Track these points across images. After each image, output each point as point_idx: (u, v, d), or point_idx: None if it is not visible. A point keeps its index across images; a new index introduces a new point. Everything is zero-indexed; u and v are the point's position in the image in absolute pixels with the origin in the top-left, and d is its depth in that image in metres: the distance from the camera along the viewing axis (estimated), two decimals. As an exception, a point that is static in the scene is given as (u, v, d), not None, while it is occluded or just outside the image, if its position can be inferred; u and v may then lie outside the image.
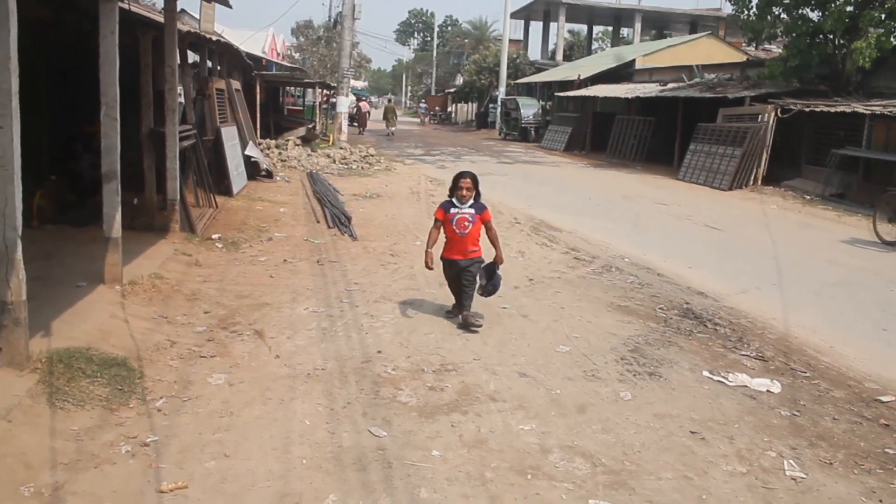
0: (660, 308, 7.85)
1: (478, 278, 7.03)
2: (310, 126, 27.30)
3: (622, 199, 17.05)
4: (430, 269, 7.00)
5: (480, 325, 6.80)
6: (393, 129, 39.89)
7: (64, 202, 10.21)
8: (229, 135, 14.94)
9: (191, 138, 11.59)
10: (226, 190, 13.75)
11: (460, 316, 6.96)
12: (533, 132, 38.20)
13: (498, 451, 4.51)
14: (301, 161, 21.07)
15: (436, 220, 7.02)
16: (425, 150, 30.41)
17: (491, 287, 7.12)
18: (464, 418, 4.93)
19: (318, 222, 12.25)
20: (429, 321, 7.01)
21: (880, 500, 4.18)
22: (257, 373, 5.52)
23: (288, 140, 22.99)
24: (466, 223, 6.88)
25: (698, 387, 5.71)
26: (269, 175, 17.46)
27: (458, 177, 6.95)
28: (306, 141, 24.29)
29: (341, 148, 24.79)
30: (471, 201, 6.90)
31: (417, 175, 20.32)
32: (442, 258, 7.08)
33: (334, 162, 21.90)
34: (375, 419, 4.86)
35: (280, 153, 21.24)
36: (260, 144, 19.80)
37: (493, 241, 7.05)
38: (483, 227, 7.00)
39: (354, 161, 22.42)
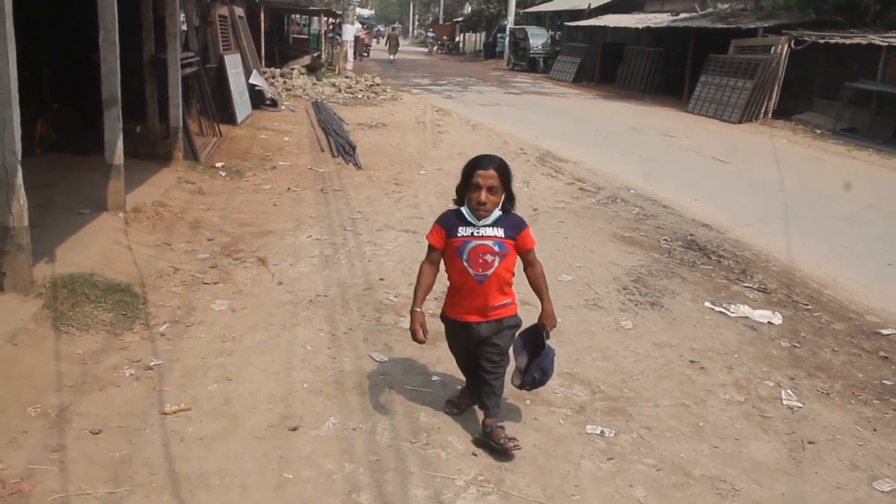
0: (664, 239, 7.83)
1: (512, 356, 4.03)
2: (315, 55, 26.91)
3: (630, 131, 16.88)
4: (421, 341, 3.84)
5: (516, 448, 3.74)
6: (393, 56, 42.84)
7: (67, 130, 10.14)
8: (233, 63, 14.74)
9: (193, 66, 11.43)
10: (229, 118, 13.63)
11: (482, 423, 3.91)
12: (541, 63, 37.58)
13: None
14: (306, 90, 20.84)
15: (430, 250, 3.85)
16: (432, 80, 30.02)
17: (538, 373, 4.01)
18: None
19: (323, 151, 12.17)
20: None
21: (875, 429, 4.23)
22: (260, 299, 5.55)
23: (293, 69, 22.69)
24: (490, 256, 3.68)
25: (699, 317, 5.73)
26: (274, 104, 17.28)
27: (474, 166, 3.66)
28: (311, 70, 23.97)
29: (347, 77, 24.47)
30: (496, 213, 3.69)
31: (424, 105, 20.10)
32: (444, 318, 4.00)
33: (340, 91, 21.66)
34: (377, 345, 4.90)
35: (285, 82, 21.00)
36: (264, 73, 19.54)
37: (538, 287, 3.88)
38: (521, 261, 3.84)
39: (360, 90, 22.16)
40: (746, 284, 6.57)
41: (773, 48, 19.58)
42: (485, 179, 3.59)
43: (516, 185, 9.73)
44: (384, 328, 5.18)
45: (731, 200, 10.27)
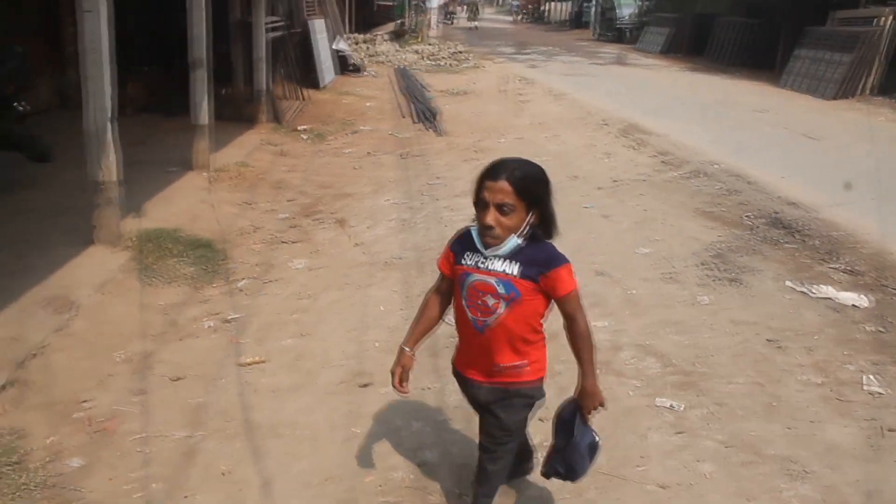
0: (747, 216, 7.60)
1: (528, 436, 3.14)
2: (399, 22, 26.95)
3: (717, 105, 16.38)
4: (399, 391, 2.94)
5: None
6: (474, 24, 42.99)
7: (156, 92, 10.43)
8: (318, 28, 14.88)
9: (279, 30, 11.59)
10: (313, 83, 13.79)
11: None
12: (629, 33, 36.70)
13: (568, 346, 4.51)
14: (389, 57, 20.92)
15: (440, 276, 2.87)
16: (516, 49, 29.71)
17: (561, 466, 2.98)
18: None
19: (404, 117, 12.21)
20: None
21: (963, 420, 4.05)
22: (337, 259, 5.64)
23: (377, 35, 22.81)
24: (492, 300, 2.63)
25: (780, 296, 5.56)
26: (357, 70, 17.40)
27: (483, 174, 2.58)
28: (395, 37, 24.05)
29: (430, 44, 24.46)
30: (512, 242, 2.57)
31: (507, 73, 19.93)
32: (453, 366, 3.01)
33: (423, 58, 21.66)
34: (449, 310, 4.92)
35: (368, 48, 21.13)
36: (349, 39, 19.69)
37: (577, 351, 2.78)
38: (559, 309, 2.71)
39: (443, 58, 22.11)
40: (832, 265, 6.33)
41: (876, 20, 18.66)
42: (493, 194, 2.46)
43: (597, 157, 9.78)
44: (457, 292, 5.20)
45: (821, 179, 9.88)
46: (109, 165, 5.08)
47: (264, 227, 6.20)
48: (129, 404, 3.65)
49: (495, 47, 29.86)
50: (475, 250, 2.63)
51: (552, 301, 2.65)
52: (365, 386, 3.92)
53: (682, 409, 3.94)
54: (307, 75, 13.65)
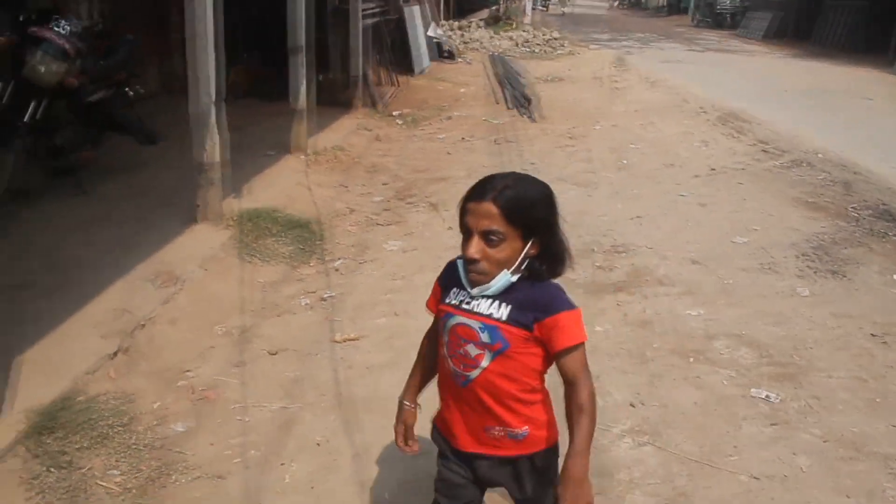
0: (852, 207, 7.29)
1: None
2: (493, 8, 26.86)
3: (822, 93, 15.71)
4: (406, 451, 2.38)
5: None
6: (564, 9, 42.34)
7: (256, 78, 10.72)
8: (413, 14, 14.99)
9: (375, 16, 11.73)
10: (408, 69, 13.91)
11: None
12: (729, 19, 35.55)
13: (661, 334, 4.46)
14: (483, 43, 20.89)
15: (434, 318, 2.32)
16: (611, 36, 29.21)
17: None
18: (630, 298, 4.89)
19: (498, 103, 12.20)
20: (604, 204, 6.91)
21: None
22: (430, 242, 5.70)
23: (471, 22, 22.80)
24: (474, 349, 2.05)
25: (885, 290, 5.31)
26: (451, 56, 17.45)
27: (469, 196, 2.01)
28: (490, 23, 23.99)
29: (525, 31, 24.28)
30: (504, 279, 1.99)
31: (602, 60, 19.63)
32: (433, 425, 2.35)
33: (517, 45, 21.53)
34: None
35: (462, 35, 21.14)
36: (443, 26, 19.76)
37: (574, 422, 2.03)
38: (557, 367, 2.06)
39: (537, 44, 21.93)
40: (945, 258, 6.02)
41: None
42: (477, 219, 1.94)
43: (694, 145, 9.57)
44: (550, 276, 5.18)
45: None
46: (213, 147, 5.27)
47: (359, 209, 6.31)
48: (230, 375, 3.79)
49: (590, 34, 29.43)
50: (461, 286, 2.09)
51: (544, 361, 2.07)
52: (458, 367, 3.96)
53: (778, 400, 3.83)
54: (402, 61, 13.77)
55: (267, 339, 4.13)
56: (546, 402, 2.16)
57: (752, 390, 3.90)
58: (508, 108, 11.72)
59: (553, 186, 5.72)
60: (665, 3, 51.64)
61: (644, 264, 5.46)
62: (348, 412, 3.52)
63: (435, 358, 2.27)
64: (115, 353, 3.78)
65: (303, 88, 7.48)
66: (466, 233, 1.99)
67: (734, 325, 4.61)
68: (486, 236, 1.94)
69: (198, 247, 4.93)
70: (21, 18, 5.24)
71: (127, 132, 6.42)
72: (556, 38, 23.03)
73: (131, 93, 6.51)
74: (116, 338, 3.87)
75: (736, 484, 3.20)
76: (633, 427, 3.55)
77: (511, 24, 26.59)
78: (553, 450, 2.21)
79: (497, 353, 2.02)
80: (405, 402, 2.38)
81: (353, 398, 3.63)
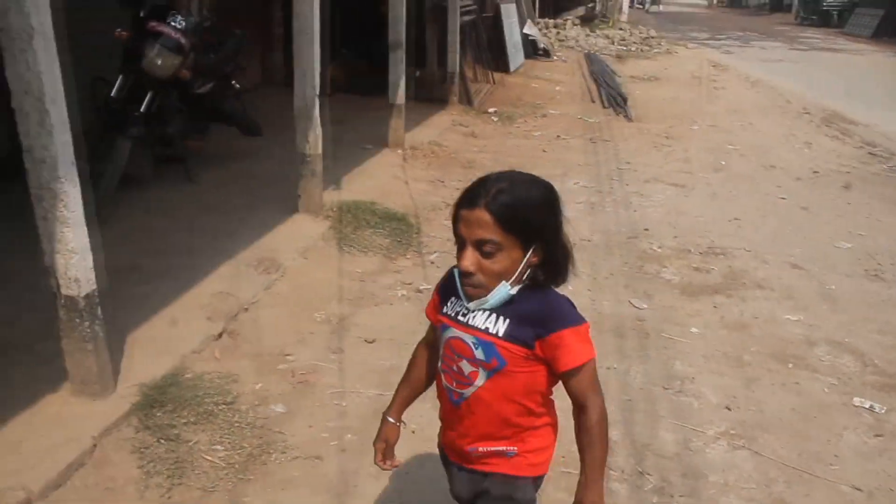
0: (971, 213, 6.96)
1: None
2: (589, 6, 26.60)
3: (938, 93, 15.02)
4: (387, 468, 2.22)
5: None
6: (661, 7, 43.06)
7: (354, 74, 10.91)
8: (508, 12, 14.97)
9: (471, 13, 11.78)
10: (503, 66, 13.90)
11: None
12: (835, 16, 34.24)
13: (759, 337, 4.36)
14: (578, 41, 20.70)
15: (430, 326, 2.11)
16: (710, 34, 28.53)
17: None
18: (727, 301, 4.79)
19: (593, 102, 12.09)
20: (700, 205, 6.78)
21: None
22: (524, 238, 5.70)
23: (566, 20, 22.62)
24: (468, 366, 1.87)
25: None
26: (546, 54, 17.36)
27: (461, 202, 1.78)
28: (585, 21, 23.76)
29: (621, 29, 23.95)
30: (503, 291, 1.79)
31: (700, 59, 19.19)
32: (439, 447, 2.19)
33: (613, 43, 21.25)
34: (636, 292, 4.86)
35: (558, 33, 21.00)
36: (538, 23, 19.68)
37: (584, 447, 1.89)
38: (564, 388, 1.88)
39: (634, 43, 21.60)
40: None
41: None
42: (469, 228, 1.74)
43: (796, 147, 9.27)
44: (645, 277, 5.12)
45: None
46: (315, 139, 5.39)
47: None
48: (327, 361, 3.88)
49: (688, 32, 28.81)
50: (455, 300, 1.91)
51: (549, 379, 1.87)
52: (550, 361, 3.96)
53: (883, 411, 3.70)
54: (497, 59, 13.78)
55: (364, 328, 4.21)
56: (548, 429, 1.97)
57: (856, 399, 3.79)
58: (604, 107, 11.60)
59: (648, 186, 5.68)
60: (767, 1, 50.07)
61: (742, 267, 5.34)
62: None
63: (424, 369, 2.17)
64: (220, 335, 3.93)
65: (401, 84, 7.58)
66: (460, 243, 1.78)
67: (836, 332, 4.47)
68: (480, 247, 1.74)
69: (298, 236, 5.06)
70: (141, 14, 5.48)
71: (233, 123, 6.63)
72: (652, 37, 22.63)
73: (237, 85, 6.73)
74: (221, 320, 4.02)
75: (837, 494, 3.11)
76: (727, 430, 3.49)
77: (607, 23, 26.28)
78: (534, 483, 2.00)
79: (493, 372, 1.83)
80: (389, 417, 2.18)
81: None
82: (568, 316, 1.82)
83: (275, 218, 5.30)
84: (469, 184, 1.81)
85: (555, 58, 17.42)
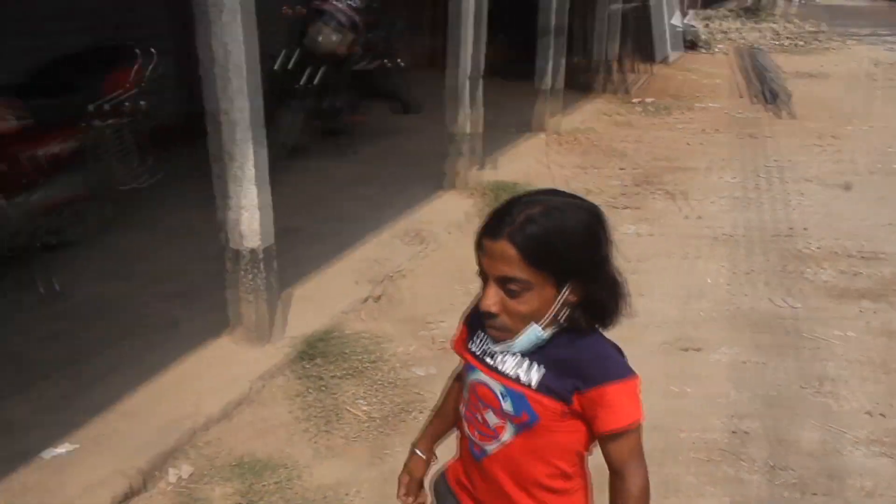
0: None
1: None
2: (748, -3, 25.65)
3: None
4: (410, 502, 1.90)
5: None
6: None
7: (505, 58, 11.01)
8: (659, 2, 14.70)
9: (622, 2, 11.66)
10: (651, 57, 13.66)
11: None
12: None
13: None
14: (731, 34, 20.02)
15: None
16: (873, 30, 26.80)
17: None
18: (874, 306, 4.65)
19: (743, 97, 11.73)
20: (853, 208, 6.52)
21: None
22: (666, 229, 5.71)
23: (719, 11, 21.96)
24: (494, 418, 1.56)
25: None
26: (696, 46, 16.92)
27: (483, 230, 1.46)
28: (742, 12, 22.95)
29: (777, 23, 23.00)
30: (533, 334, 1.47)
31: (861, 56, 18.19)
32: (442, 476, 1.82)
33: (768, 37, 20.44)
34: (777, 290, 4.80)
35: (709, 25, 20.39)
36: (691, 14, 19.19)
37: None
38: (601, 451, 1.54)
39: (790, 37, 20.68)
40: None
41: None
42: (492, 262, 1.45)
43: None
44: (788, 276, 5.03)
45: None
46: (465, 120, 5.59)
47: (597, 190, 6.41)
48: (468, 331, 4.06)
49: (849, 27, 27.27)
50: (480, 339, 1.61)
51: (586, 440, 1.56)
52: (686, 350, 4.01)
53: None
54: (646, 49, 13.57)
55: (503, 303, 4.37)
56: (582, 493, 1.65)
57: None
58: (755, 103, 11.24)
59: (798, 185, 5.44)
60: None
61: (894, 273, 5.15)
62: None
63: (453, 405, 1.81)
64: (368, 299, 4.18)
65: (550, 69, 7.67)
66: (483, 277, 1.49)
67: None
68: (505, 284, 1.44)
69: (445, 211, 5.27)
70: (311, -8, 5.82)
71: (389, 100, 6.92)
72: (811, 32, 21.60)
73: (392, 64, 7.01)
74: (370, 285, 4.27)
75: None
76: (869, 436, 3.43)
77: (763, 16, 25.27)
78: None
79: (522, 427, 1.53)
80: (416, 449, 1.89)
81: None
82: (613, 368, 1.50)
83: (424, 193, 5.54)
84: (498, 205, 1.49)
85: (705, 50, 16.97)
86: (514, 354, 1.52)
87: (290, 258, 4.28)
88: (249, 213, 3.38)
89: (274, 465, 3.01)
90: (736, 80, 13.19)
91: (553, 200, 1.47)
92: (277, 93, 5.67)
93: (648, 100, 10.53)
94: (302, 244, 4.59)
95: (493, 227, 1.44)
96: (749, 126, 9.62)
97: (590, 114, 8.92)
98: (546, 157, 6.98)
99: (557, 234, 1.42)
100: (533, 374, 1.50)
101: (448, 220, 5.14)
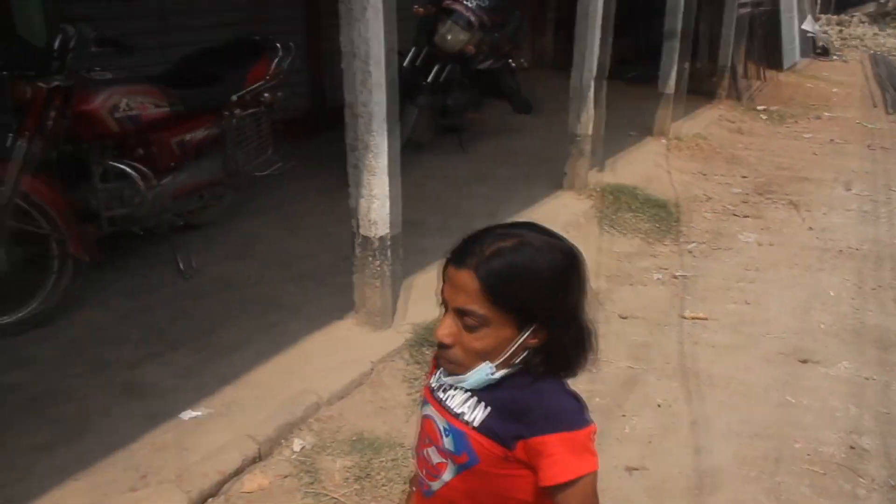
0: None
1: None
2: (882, 1, 24.46)
3: None
4: None
5: None
6: None
7: (622, 60, 10.93)
8: (789, 6, 14.24)
9: (749, 6, 11.37)
10: (777, 63, 13.28)
11: None
12: None
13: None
14: (865, 41, 19.17)
15: None
16: None
17: None
18: None
19: (876, 107, 11.27)
20: None
21: None
22: (787, 239, 5.60)
23: (853, 16, 21.02)
24: (435, 455, 1.48)
25: None
26: (826, 53, 16.32)
27: (450, 257, 1.39)
28: (875, 19, 21.91)
29: (917, 30, 21.85)
30: (483, 371, 1.38)
31: None
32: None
33: (906, 45, 19.47)
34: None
35: (841, 30, 19.59)
36: (819, 20, 18.49)
37: None
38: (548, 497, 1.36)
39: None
40: None
41: None
42: (454, 291, 1.37)
43: None
44: (918, 294, 4.87)
45: None
46: (588, 121, 5.62)
47: (716, 197, 6.34)
48: (584, 329, 4.12)
49: None
50: (437, 382, 1.52)
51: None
52: (804, 362, 3.94)
53: None
54: (771, 55, 13.18)
55: (619, 304, 4.41)
56: None
57: None
58: (888, 113, 10.78)
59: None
60: None
61: None
62: (691, 382, 3.69)
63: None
64: (487, 292, 4.28)
65: (673, 73, 7.59)
66: (444, 304, 1.40)
67: None
68: (462, 317, 1.35)
69: (562, 211, 5.33)
70: (439, -8, 5.98)
71: (507, 99, 7.02)
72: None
73: (514, 64, 7.11)
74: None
75: None
76: None
77: (901, 22, 24.04)
78: None
79: (462, 468, 1.43)
80: (413, 487, 1.70)
81: (698, 371, 3.79)
82: (561, 416, 1.36)
83: (539, 192, 5.61)
84: (472, 231, 1.42)
85: (835, 57, 16.33)
86: (463, 391, 1.43)
87: (413, 248, 4.42)
88: (380, 202, 3.53)
89: (392, 443, 3.15)
90: (870, 89, 12.66)
91: (528, 236, 1.38)
92: (405, 89, 5.84)
93: (774, 107, 10.25)
94: (424, 236, 4.73)
95: (460, 254, 1.36)
96: (882, 137, 9.25)
97: (712, 120, 8.77)
98: (666, 162, 6.92)
99: (524, 273, 1.33)
100: (477, 414, 1.40)
101: (566, 221, 5.19)
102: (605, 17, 5.60)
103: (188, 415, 3.11)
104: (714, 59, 10.18)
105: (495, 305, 1.31)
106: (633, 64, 10.93)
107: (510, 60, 7.07)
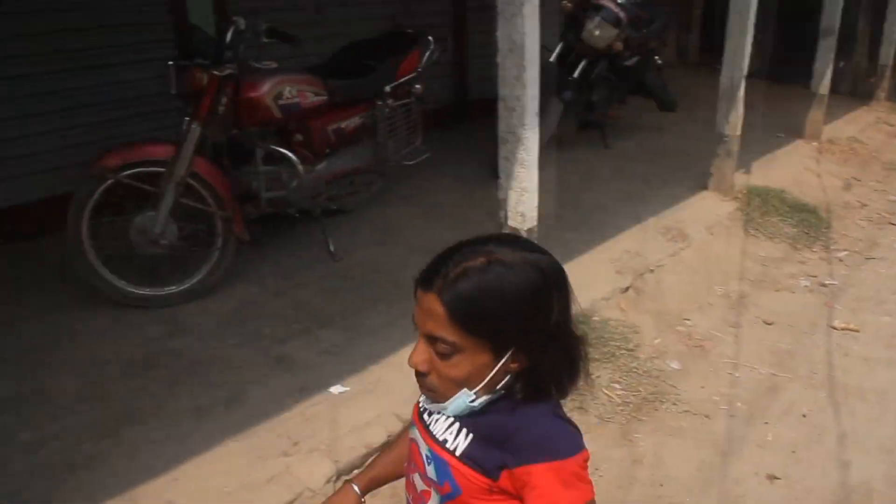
0: None
1: None
2: None
3: None
4: None
5: None
6: None
7: (766, 57, 10.52)
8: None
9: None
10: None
11: None
12: None
13: None
14: None
15: None
16: None
17: None
18: None
19: None
20: None
21: None
22: (949, 252, 5.30)
23: None
24: (420, 482, 1.41)
25: None
26: None
27: (420, 273, 1.28)
28: None
29: None
30: (463, 399, 1.28)
31: None
32: None
33: None
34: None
35: None
36: None
37: None
38: None
39: None
40: None
41: None
42: (421, 315, 1.27)
43: None
44: None
45: None
46: (736, 120, 5.47)
47: (872, 204, 6.05)
48: (724, 332, 4.06)
49: None
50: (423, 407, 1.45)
51: None
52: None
53: None
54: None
55: (763, 309, 4.30)
56: None
57: None
58: None
59: None
60: None
61: None
62: (839, 395, 3.57)
63: (405, 448, 1.55)
64: (626, 289, 4.27)
65: (828, 72, 7.26)
66: (419, 337, 1.30)
67: None
68: (433, 344, 1.26)
69: (705, 212, 5.22)
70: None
71: (651, 96, 6.91)
72: None
73: (660, 61, 6.99)
74: (628, 275, 4.36)
75: None
76: None
77: None
78: None
79: (446, 498, 1.34)
80: (353, 483, 1.60)
81: (847, 384, 3.66)
82: (548, 443, 1.26)
83: (682, 192, 5.51)
84: (445, 248, 1.30)
85: None
86: (445, 421, 1.35)
87: (556, 241, 4.47)
88: (530, 194, 3.58)
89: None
90: None
91: (501, 252, 1.24)
92: (552, 84, 5.86)
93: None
94: (566, 229, 4.76)
95: (427, 275, 1.25)
96: None
97: (867, 122, 8.32)
98: (817, 166, 6.64)
99: (492, 296, 1.21)
100: (460, 442, 1.32)
101: (710, 221, 5.09)
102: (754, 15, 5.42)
103: (337, 389, 3.26)
104: (873, 59, 9.65)
105: (465, 331, 1.22)
106: (781, 62, 10.51)
107: (656, 57, 6.96)
